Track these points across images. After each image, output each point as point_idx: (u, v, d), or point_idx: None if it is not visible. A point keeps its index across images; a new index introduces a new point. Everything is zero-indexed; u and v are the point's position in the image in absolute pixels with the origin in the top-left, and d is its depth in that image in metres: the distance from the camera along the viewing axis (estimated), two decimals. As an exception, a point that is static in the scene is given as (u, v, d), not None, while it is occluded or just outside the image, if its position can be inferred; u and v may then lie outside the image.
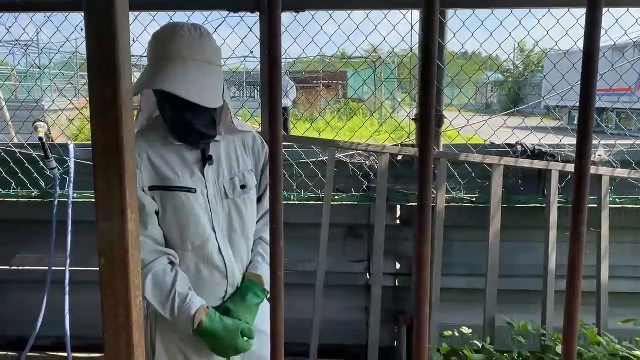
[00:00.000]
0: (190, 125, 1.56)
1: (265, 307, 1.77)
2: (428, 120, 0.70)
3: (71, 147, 3.09)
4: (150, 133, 1.64)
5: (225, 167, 1.68)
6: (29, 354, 3.03)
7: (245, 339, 1.63)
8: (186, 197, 1.59)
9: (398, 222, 3.15)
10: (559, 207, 2.72)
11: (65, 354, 3.01)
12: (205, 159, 1.64)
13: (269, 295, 1.73)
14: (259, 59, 2.82)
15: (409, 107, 3.89)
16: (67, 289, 3.05)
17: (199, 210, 1.61)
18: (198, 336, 1.58)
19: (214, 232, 1.64)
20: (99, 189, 0.74)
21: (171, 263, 1.61)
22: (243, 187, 1.70)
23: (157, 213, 1.60)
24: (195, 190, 1.61)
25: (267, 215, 1.83)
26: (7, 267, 3.30)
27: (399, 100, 4.48)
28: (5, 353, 3.15)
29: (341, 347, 3.26)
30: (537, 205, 2.89)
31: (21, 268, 3.30)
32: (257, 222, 1.80)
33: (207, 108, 1.54)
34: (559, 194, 2.76)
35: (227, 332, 1.59)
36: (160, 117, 1.63)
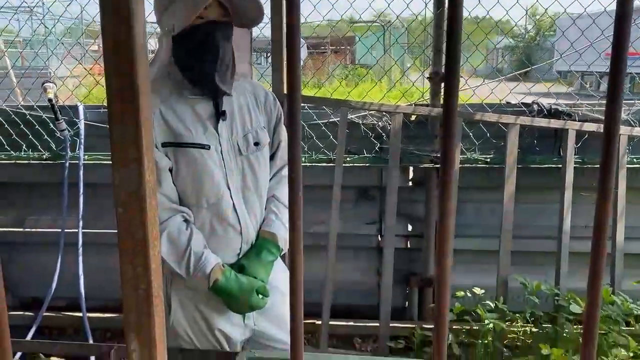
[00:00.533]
0: (214, 63, 1.56)
1: (278, 265, 1.77)
2: (454, 64, 0.66)
3: (80, 109, 3.06)
4: (161, 87, 1.61)
5: (238, 123, 1.65)
6: (44, 314, 3.07)
7: (260, 296, 1.64)
8: (200, 153, 1.57)
9: (410, 183, 3.12)
10: (575, 167, 2.68)
11: (80, 314, 3.05)
12: (219, 114, 1.61)
13: (282, 253, 1.74)
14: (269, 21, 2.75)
15: (419, 72, 3.80)
16: (80, 250, 3.07)
17: (213, 166, 1.59)
18: (213, 293, 1.59)
19: (229, 189, 1.63)
20: (114, 135, 0.71)
21: (186, 221, 1.60)
22: (256, 144, 1.67)
23: (170, 170, 1.58)
24: (209, 147, 1.58)
25: (279, 174, 1.81)
26: (21, 230, 3.32)
27: (408, 65, 4.39)
28: (21, 313, 3.20)
29: (353, 308, 3.28)
30: (553, 166, 2.85)
31: (34, 230, 3.32)
32: (270, 180, 1.78)
33: (230, 50, 1.57)
34: (575, 154, 2.71)
35: (242, 290, 1.59)
36: (173, 71, 1.59)
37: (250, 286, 1.60)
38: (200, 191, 1.59)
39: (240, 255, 1.69)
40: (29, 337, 2.98)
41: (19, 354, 2.92)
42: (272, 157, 1.78)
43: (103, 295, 3.18)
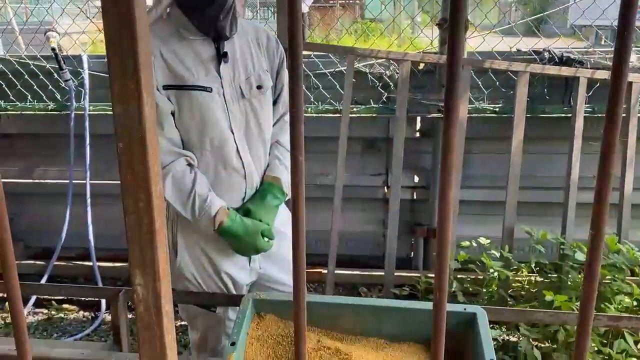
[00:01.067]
0: (219, 5, 1.51)
1: (283, 210, 1.78)
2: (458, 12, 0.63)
3: (84, 58, 3.03)
4: (161, 29, 1.58)
5: (240, 66, 1.63)
6: (55, 263, 3.13)
7: (266, 239, 1.65)
8: (202, 96, 1.55)
9: (417, 134, 3.09)
10: (585, 117, 2.63)
11: (90, 264, 3.10)
12: (220, 56, 1.58)
13: (287, 198, 1.74)
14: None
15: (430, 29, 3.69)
16: (89, 201, 3.10)
17: (216, 109, 1.57)
18: (219, 235, 1.60)
19: (232, 132, 1.61)
20: (113, 69, 0.70)
21: (189, 165, 1.59)
22: (259, 87, 1.65)
23: (172, 114, 1.57)
24: (211, 90, 1.56)
25: (282, 119, 1.79)
26: (29, 181, 3.35)
27: (419, 18, 4.27)
28: (33, 262, 3.26)
29: (358, 258, 3.31)
30: (563, 115, 2.81)
31: (42, 181, 3.35)
32: (274, 125, 1.76)
33: None
34: (585, 103, 2.66)
35: (247, 233, 1.60)
36: (175, 13, 1.56)
37: (255, 229, 1.61)
38: (203, 134, 1.58)
39: (245, 200, 1.69)
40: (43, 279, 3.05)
41: (32, 301, 2.99)
42: (275, 102, 1.76)
43: (113, 245, 3.23)
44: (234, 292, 1.70)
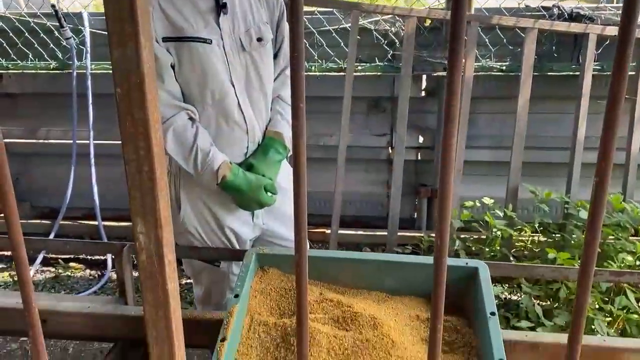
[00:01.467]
0: None
1: (286, 166, 1.77)
2: None
3: (85, 15, 2.98)
4: None
5: (240, 18, 1.59)
6: (61, 223, 3.15)
7: (269, 194, 1.65)
8: (202, 48, 1.52)
9: (423, 93, 3.06)
10: (593, 75, 2.59)
11: (95, 223, 3.13)
12: (219, 7, 1.54)
13: (289, 153, 1.73)
14: None
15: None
16: (93, 161, 3.10)
17: (216, 62, 1.55)
18: (222, 190, 1.60)
19: (233, 86, 1.59)
20: (109, 11, 0.68)
21: (191, 119, 1.58)
22: (259, 39, 1.62)
23: (172, 67, 1.55)
24: (211, 41, 1.53)
25: (283, 73, 1.77)
26: (34, 141, 3.35)
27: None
28: (39, 221, 3.29)
29: (362, 219, 3.33)
30: (571, 74, 2.76)
31: (46, 141, 3.34)
32: (275, 79, 1.74)
33: None
34: (594, 61, 2.61)
35: (250, 187, 1.59)
36: None
37: (258, 183, 1.61)
38: (204, 87, 1.56)
39: (248, 155, 1.68)
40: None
41: (39, 260, 3.03)
42: (275, 55, 1.73)
43: (117, 205, 3.25)
44: (237, 247, 1.71)
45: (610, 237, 2.15)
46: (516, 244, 2.52)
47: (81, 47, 3.03)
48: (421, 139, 3.10)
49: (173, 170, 1.67)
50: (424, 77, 2.97)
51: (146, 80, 0.73)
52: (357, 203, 3.31)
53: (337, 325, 1.31)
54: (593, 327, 1.78)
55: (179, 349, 0.96)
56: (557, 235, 2.41)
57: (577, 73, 2.67)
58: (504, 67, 2.81)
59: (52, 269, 3.08)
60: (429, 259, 1.45)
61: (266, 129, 1.72)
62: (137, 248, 0.90)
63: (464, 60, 2.60)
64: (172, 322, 0.93)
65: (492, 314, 1.23)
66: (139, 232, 0.91)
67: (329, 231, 2.88)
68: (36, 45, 3.11)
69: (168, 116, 1.53)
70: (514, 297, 2.51)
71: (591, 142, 2.65)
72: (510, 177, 2.58)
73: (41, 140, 3.34)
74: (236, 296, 1.31)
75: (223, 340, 1.19)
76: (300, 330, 0.94)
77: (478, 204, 2.53)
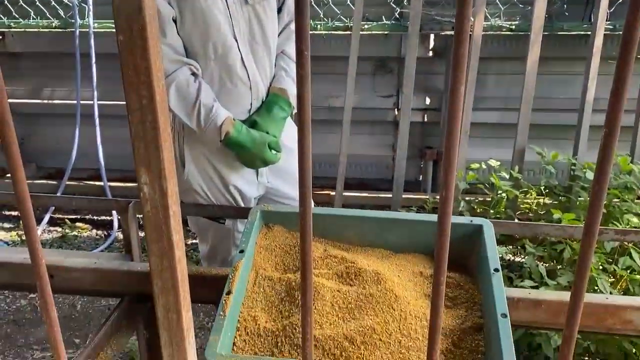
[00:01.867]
0: None
1: (290, 124, 1.75)
2: None
3: (86, -28, 2.93)
4: None
5: None
6: (67, 183, 3.16)
7: (273, 151, 1.64)
8: (205, 1, 1.49)
9: (430, 53, 3.01)
10: (605, 35, 2.53)
11: (101, 183, 3.14)
12: None
13: (293, 110, 1.71)
14: None
15: None
16: (97, 121, 3.09)
17: (218, 14, 1.52)
18: (226, 147, 1.59)
19: (236, 41, 1.56)
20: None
21: (193, 74, 1.56)
22: None
23: (174, 21, 1.52)
24: None
25: (287, 28, 1.73)
26: (38, 101, 3.34)
27: None
28: (45, 182, 3.30)
29: (367, 181, 3.32)
30: (582, 33, 2.70)
31: (51, 102, 3.33)
32: (279, 35, 1.70)
33: None
34: (606, 20, 2.55)
35: (254, 144, 1.58)
36: None
37: (262, 140, 1.60)
38: (206, 41, 1.53)
39: (251, 112, 1.67)
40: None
41: (46, 219, 3.05)
42: (279, 9, 1.69)
43: (122, 166, 3.26)
44: (242, 205, 1.72)
45: (616, 199, 2.13)
46: (521, 206, 2.51)
47: (83, 4, 2.98)
48: (428, 101, 3.07)
49: (177, 127, 1.66)
50: (432, 36, 2.92)
51: (148, 28, 0.71)
52: (362, 166, 3.30)
53: (341, 281, 1.32)
54: (596, 287, 1.78)
55: (184, 299, 0.97)
56: (562, 197, 2.40)
57: (589, 33, 2.61)
58: (514, 27, 2.75)
59: (59, 229, 3.10)
60: (432, 217, 1.45)
61: (270, 85, 1.70)
62: (142, 199, 0.89)
63: (472, 20, 2.55)
64: (177, 272, 0.94)
65: (496, 270, 1.24)
66: (143, 183, 0.91)
67: (333, 193, 2.88)
68: (38, 3, 3.07)
69: (170, 71, 1.51)
70: (518, 259, 2.53)
71: (600, 103, 2.61)
72: (517, 138, 2.56)
73: (45, 101, 3.32)
74: (241, 252, 1.32)
75: (228, 293, 1.21)
76: (305, 280, 0.95)
77: (484, 166, 2.52)
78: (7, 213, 3.31)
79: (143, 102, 0.80)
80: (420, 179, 3.25)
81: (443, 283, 0.90)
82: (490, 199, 2.44)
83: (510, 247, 2.34)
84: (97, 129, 3.07)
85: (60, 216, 3.22)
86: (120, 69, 0.74)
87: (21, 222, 0.89)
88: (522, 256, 2.43)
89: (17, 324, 2.23)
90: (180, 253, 0.95)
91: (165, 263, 0.93)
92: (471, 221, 1.39)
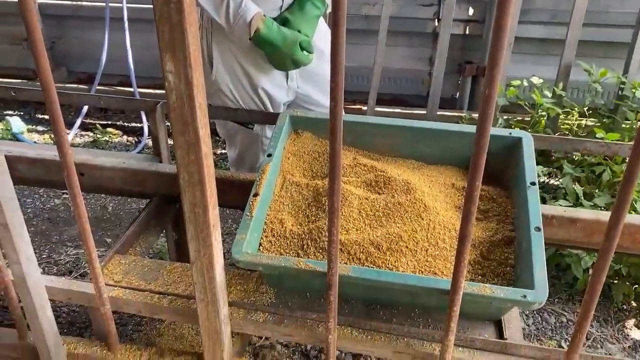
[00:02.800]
0: None
1: (323, 25, 1.66)
2: None
3: None
4: None
5: None
6: (97, 88, 3.15)
7: (305, 52, 1.56)
8: None
9: (476, -40, 2.80)
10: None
11: (131, 89, 3.12)
12: None
13: (327, 9, 1.61)
14: None
15: None
16: (127, 25, 3.02)
17: None
18: (255, 45, 1.52)
19: None
20: None
21: None
22: None
23: None
24: None
25: None
26: (67, 2, 3.27)
27: None
28: (75, 86, 3.30)
29: (401, 97, 3.22)
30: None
31: (80, 3, 3.26)
32: None
33: None
34: None
35: (285, 42, 1.51)
36: None
37: (293, 39, 1.52)
38: None
39: (283, 9, 1.58)
40: (84, 110, 3.11)
41: (77, 124, 3.07)
42: None
43: (152, 73, 3.22)
44: (271, 110, 1.67)
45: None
46: (561, 126, 2.41)
47: None
48: (471, 11, 2.89)
49: (205, 24, 1.59)
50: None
51: None
52: (396, 80, 3.19)
53: (369, 189, 1.29)
54: (635, 209, 1.72)
55: (210, 194, 0.95)
56: (607, 118, 2.28)
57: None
58: None
59: (91, 134, 3.13)
60: (467, 127, 1.39)
61: None
62: (167, 89, 0.86)
63: None
64: (203, 167, 0.91)
65: (532, 183, 1.19)
66: (167, 71, 0.87)
67: (365, 108, 2.81)
68: None
69: None
70: (553, 182, 2.45)
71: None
72: (564, 52, 2.39)
73: (74, 2, 3.25)
74: (269, 155, 1.29)
75: (256, 195, 1.19)
76: (333, 182, 0.91)
77: (525, 84, 2.39)
78: (41, 116, 3.35)
79: (170, 6, 0.76)
80: (457, 95, 3.13)
81: (478, 188, 0.85)
82: (529, 118, 2.34)
83: (547, 167, 2.26)
84: (127, 33, 3.01)
85: (92, 121, 3.24)
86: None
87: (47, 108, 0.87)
88: (558, 178, 2.35)
89: (52, 222, 2.30)
90: (207, 149, 0.92)
91: (191, 156, 0.90)
92: (510, 133, 1.32)
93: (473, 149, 0.83)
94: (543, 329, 1.77)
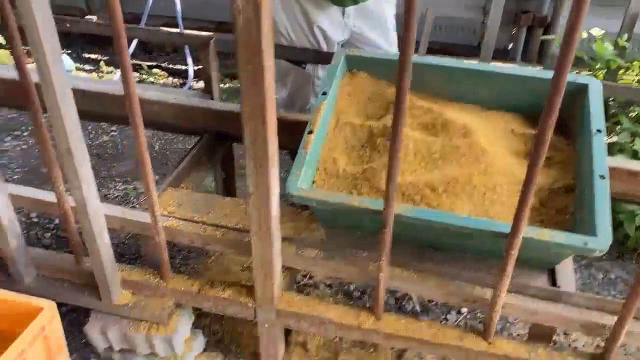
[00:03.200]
0: None
1: None
2: None
3: None
4: None
5: None
6: (143, 27, 3.14)
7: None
8: None
9: None
10: None
11: (177, 31, 3.10)
12: None
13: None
14: None
15: None
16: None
17: None
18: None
19: None
20: None
21: None
22: None
23: None
24: None
25: None
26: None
27: None
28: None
29: (451, 47, 3.12)
30: None
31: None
32: None
33: None
34: None
35: None
36: None
37: None
38: None
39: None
40: (130, 49, 3.11)
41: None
42: None
43: (199, 15, 3.19)
44: (325, 48, 1.63)
45: None
46: (620, 81, 2.29)
47: None
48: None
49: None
50: None
51: None
52: (447, 28, 3.08)
53: (426, 131, 1.26)
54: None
55: (271, 126, 0.94)
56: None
57: None
58: None
59: (136, 74, 3.15)
60: (526, 70, 1.33)
61: None
62: (234, 11, 0.84)
63: None
64: (266, 100, 0.90)
65: (599, 131, 1.14)
66: (235, -7, 0.85)
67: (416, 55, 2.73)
68: None
69: None
70: (608, 139, 2.36)
71: None
72: (631, 3, 2.25)
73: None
74: (324, 94, 1.27)
75: (310, 132, 1.18)
76: (397, 122, 0.89)
77: (584, 35, 2.27)
78: (87, 55, 3.38)
79: None
80: (509, 47, 3.02)
81: (549, 133, 0.82)
82: (588, 71, 2.24)
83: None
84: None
85: (138, 62, 3.25)
86: None
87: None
88: (613, 134, 2.26)
89: (100, 158, 2.34)
90: (270, 79, 0.90)
91: (255, 88, 0.89)
92: (576, 79, 1.26)
93: (549, 90, 0.80)
94: (590, 284, 1.74)
